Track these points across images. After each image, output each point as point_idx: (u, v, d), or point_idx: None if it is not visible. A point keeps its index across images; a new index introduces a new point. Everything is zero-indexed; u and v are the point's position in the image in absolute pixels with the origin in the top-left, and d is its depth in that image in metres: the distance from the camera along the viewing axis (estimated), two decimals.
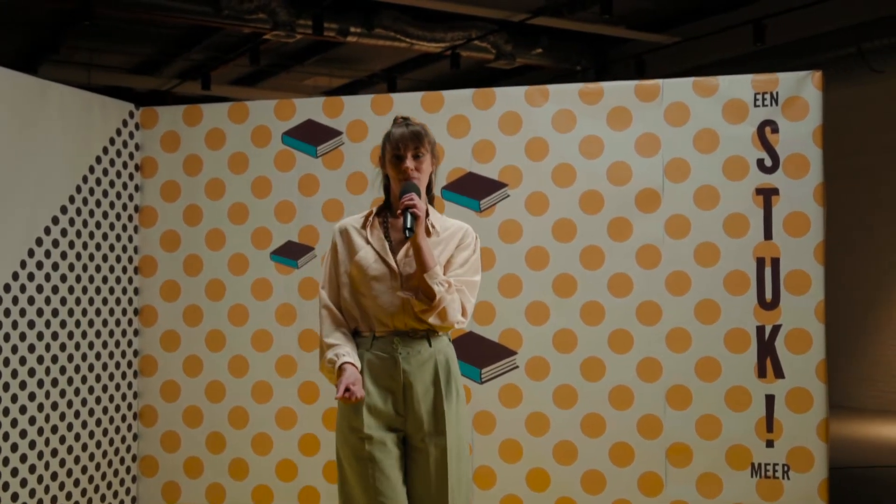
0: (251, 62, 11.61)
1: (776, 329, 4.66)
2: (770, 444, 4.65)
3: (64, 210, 4.88)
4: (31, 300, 4.65)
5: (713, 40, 11.08)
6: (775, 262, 4.68)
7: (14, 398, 4.53)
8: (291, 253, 5.20)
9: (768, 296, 4.68)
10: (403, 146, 3.35)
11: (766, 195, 4.71)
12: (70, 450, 4.88)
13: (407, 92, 5.27)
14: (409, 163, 3.33)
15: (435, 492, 3.31)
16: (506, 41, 11.30)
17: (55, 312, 4.80)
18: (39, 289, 4.70)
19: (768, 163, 4.71)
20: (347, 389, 3.21)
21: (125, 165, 5.30)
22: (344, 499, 3.39)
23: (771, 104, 4.72)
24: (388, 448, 3.31)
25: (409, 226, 3.23)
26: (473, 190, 4.99)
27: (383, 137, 3.46)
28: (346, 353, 3.33)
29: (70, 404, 4.89)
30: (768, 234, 4.70)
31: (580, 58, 12.24)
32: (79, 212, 4.98)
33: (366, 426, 3.30)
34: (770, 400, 4.65)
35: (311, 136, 5.21)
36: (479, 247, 3.51)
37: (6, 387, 4.49)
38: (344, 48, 12.39)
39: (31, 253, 4.67)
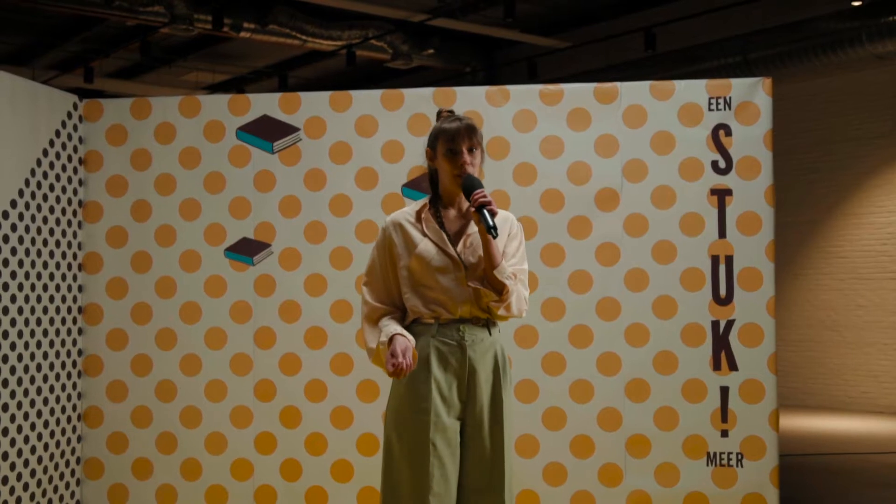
0: (142, 55, 11.31)
1: (730, 324, 4.87)
2: (724, 433, 4.85)
3: (14, 204, 4.70)
4: None
5: (604, 46, 11.40)
6: (729, 260, 4.89)
7: None
8: (247, 250, 5.13)
9: (722, 292, 4.89)
10: (459, 140, 3.35)
11: (721, 195, 4.91)
12: (20, 453, 4.69)
13: (312, 91, 5.23)
14: (466, 157, 3.35)
15: (491, 480, 3.32)
16: (402, 41, 11.35)
17: (6, 310, 4.62)
18: None
19: (722, 164, 4.92)
20: (396, 366, 3.18)
21: (70, 159, 5.12)
22: (389, 486, 3.35)
23: (724, 108, 4.94)
24: (449, 437, 3.30)
25: (491, 224, 3.19)
26: None
27: (432, 131, 3.45)
28: (392, 328, 3.30)
29: (20, 406, 4.71)
30: (722, 233, 4.90)
31: (470, 59, 12.40)
32: (27, 206, 4.79)
33: (433, 411, 3.29)
34: (724, 391, 4.86)
35: (266, 131, 5.15)
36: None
37: None
38: (231, 43, 12.21)
39: None
